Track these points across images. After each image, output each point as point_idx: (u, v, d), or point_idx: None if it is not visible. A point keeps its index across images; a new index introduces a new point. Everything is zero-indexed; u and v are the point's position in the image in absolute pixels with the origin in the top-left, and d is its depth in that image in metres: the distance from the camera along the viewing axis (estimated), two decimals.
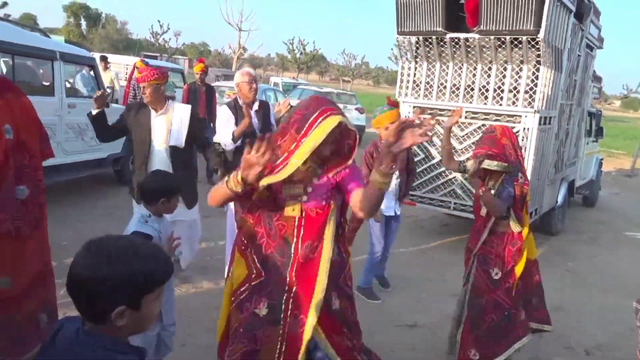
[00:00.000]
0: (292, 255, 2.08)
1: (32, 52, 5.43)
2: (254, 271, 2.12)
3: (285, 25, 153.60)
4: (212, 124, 7.68)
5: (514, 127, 5.32)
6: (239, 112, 3.99)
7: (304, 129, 1.94)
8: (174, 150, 3.70)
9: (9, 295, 2.63)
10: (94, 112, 3.60)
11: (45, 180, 6.00)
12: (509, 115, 5.39)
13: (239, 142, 3.91)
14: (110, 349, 1.23)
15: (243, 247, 2.18)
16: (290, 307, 2.06)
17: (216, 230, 5.20)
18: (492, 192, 3.07)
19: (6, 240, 2.60)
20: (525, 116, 5.27)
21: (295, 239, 2.08)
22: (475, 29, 5.31)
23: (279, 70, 65.96)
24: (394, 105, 4.12)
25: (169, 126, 3.68)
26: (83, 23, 58.61)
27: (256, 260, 2.12)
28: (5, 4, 47.16)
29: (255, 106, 4.11)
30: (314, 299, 2.04)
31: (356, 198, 2.04)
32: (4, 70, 5.37)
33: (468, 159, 3.39)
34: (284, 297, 2.07)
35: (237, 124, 3.97)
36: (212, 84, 9.40)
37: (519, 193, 3.11)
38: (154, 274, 1.24)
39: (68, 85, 6.32)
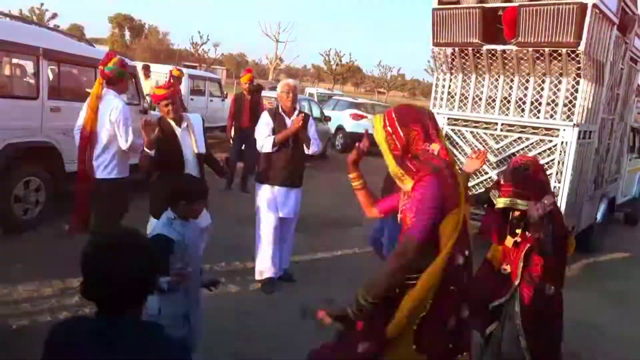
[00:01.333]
0: None
1: (76, 60, 5.66)
2: None
3: (321, 36, 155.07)
4: None
5: (551, 141, 5.20)
6: (278, 119, 4.36)
7: None
8: (199, 158, 3.82)
9: None
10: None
11: None
12: (546, 129, 5.26)
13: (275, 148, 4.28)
14: (154, 329, 1.42)
15: None
16: None
17: (247, 237, 5.25)
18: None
19: None
20: (564, 130, 5.13)
21: None
22: (512, 40, 5.23)
23: (315, 81, 66.40)
24: None
25: (194, 135, 3.79)
26: (127, 33, 60.63)
27: None
28: (55, 15, 49.34)
29: (294, 116, 4.37)
30: None
31: None
32: (50, 76, 5.58)
33: (490, 189, 3.28)
34: None
35: (274, 129, 4.32)
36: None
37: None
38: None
39: None
